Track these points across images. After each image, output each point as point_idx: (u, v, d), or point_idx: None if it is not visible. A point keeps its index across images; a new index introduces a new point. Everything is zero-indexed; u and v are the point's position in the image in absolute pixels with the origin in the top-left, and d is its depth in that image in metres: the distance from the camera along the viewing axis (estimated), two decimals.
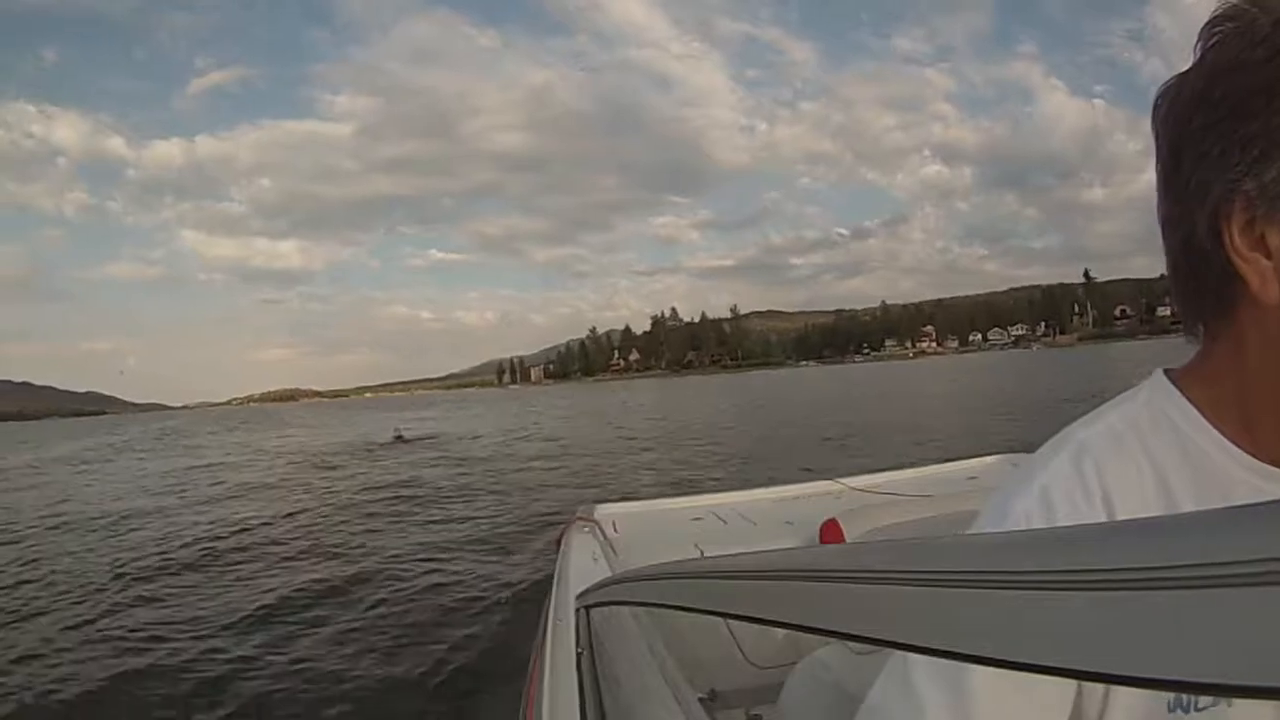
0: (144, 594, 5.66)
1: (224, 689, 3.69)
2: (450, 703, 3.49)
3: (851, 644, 0.98)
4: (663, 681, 0.99)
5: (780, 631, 1.59)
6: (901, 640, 0.25)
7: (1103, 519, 0.45)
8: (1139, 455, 0.47)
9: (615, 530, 2.10)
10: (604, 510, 2.35)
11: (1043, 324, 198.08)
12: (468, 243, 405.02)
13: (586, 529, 2.03)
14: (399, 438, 21.95)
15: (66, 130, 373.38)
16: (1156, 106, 0.47)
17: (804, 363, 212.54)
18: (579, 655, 1.12)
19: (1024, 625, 0.20)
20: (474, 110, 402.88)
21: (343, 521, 8.53)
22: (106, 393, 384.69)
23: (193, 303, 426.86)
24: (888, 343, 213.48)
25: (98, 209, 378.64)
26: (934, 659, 0.22)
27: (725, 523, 2.18)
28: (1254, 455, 0.45)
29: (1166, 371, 0.50)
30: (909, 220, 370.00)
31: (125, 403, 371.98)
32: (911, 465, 2.64)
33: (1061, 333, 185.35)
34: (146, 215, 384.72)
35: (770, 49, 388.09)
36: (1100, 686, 0.39)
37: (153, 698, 3.69)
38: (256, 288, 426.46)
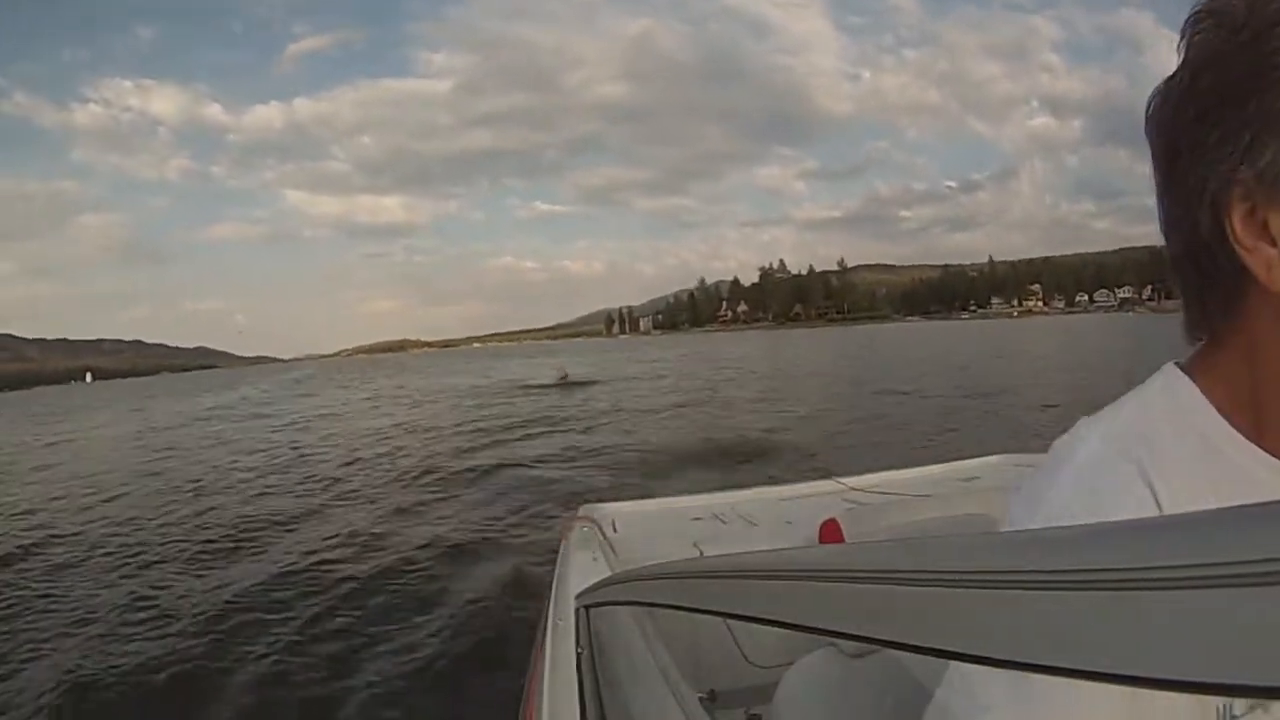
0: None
1: None
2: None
3: (845, 646, 1.01)
4: (662, 681, 0.99)
5: (780, 631, 1.36)
6: (901, 640, 0.25)
7: (1153, 513, 0.43)
8: (1159, 452, 0.45)
9: (615, 530, 2.09)
10: (604, 510, 2.33)
11: (1149, 287, 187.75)
12: (573, 194, 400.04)
13: (586, 529, 2.02)
14: (564, 379, 23.11)
15: (165, 102, 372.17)
16: (1148, 111, 0.47)
17: (910, 318, 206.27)
18: (579, 655, 1.12)
19: (1024, 625, 0.20)
20: (574, 62, 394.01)
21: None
22: (215, 348, 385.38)
23: (298, 259, 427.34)
24: (994, 300, 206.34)
25: (200, 174, 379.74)
26: None
27: (725, 523, 2.17)
28: (1271, 453, 0.43)
29: (1178, 364, 0.49)
30: (1017, 174, 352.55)
31: (234, 357, 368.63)
32: (911, 465, 2.67)
33: (1168, 297, 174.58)
34: (249, 177, 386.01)
35: None
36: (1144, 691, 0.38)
37: None
38: (361, 242, 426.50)
